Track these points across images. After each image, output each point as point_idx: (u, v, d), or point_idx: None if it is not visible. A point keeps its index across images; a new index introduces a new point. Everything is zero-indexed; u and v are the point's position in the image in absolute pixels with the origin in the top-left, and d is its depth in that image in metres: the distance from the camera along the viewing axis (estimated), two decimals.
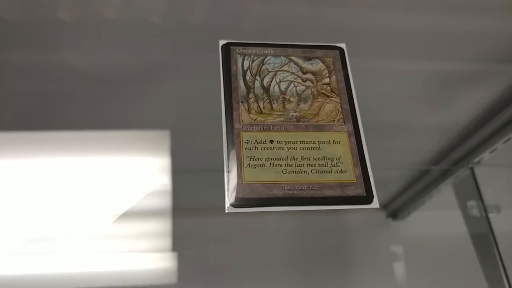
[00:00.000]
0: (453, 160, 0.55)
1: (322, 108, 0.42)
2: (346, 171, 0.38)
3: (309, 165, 0.38)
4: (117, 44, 0.48)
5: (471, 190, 0.54)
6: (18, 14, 0.48)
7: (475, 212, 0.53)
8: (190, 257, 0.38)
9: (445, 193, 0.56)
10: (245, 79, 0.42)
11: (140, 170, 0.41)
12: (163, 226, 0.38)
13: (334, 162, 0.38)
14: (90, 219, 0.38)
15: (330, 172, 0.38)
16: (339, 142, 0.40)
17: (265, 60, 0.44)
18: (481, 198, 0.54)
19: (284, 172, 0.37)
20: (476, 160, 0.54)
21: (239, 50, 0.44)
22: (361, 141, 0.40)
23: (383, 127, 0.50)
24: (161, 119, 0.45)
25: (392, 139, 0.52)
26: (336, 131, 0.40)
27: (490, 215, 0.52)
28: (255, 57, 0.44)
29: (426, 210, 0.56)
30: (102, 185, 0.40)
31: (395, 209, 0.59)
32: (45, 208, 0.38)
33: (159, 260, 0.37)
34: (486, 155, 0.53)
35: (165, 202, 0.39)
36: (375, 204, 0.37)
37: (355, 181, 0.38)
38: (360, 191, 0.37)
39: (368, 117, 0.42)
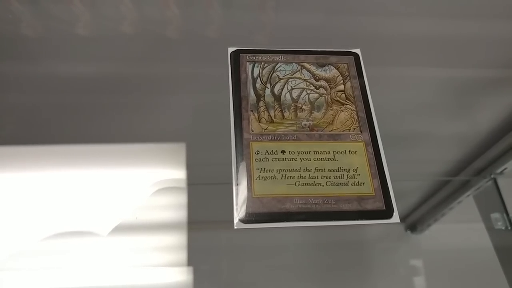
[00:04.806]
0: (475, 170, 0.53)
1: (337, 116, 0.40)
2: (363, 183, 0.36)
3: (324, 177, 0.36)
4: (127, 56, 0.48)
5: (495, 202, 0.52)
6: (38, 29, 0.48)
7: (500, 224, 0.51)
8: (206, 271, 0.37)
9: (467, 205, 0.54)
10: (255, 87, 0.41)
11: (152, 183, 0.39)
12: (178, 239, 0.37)
13: (351, 173, 0.36)
14: (102, 233, 0.37)
15: (346, 184, 0.36)
16: (355, 152, 0.38)
17: (276, 67, 0.42)
18: (505, 210, 0.52)
19: (297, 184, 0.35)
20: (498, 170, 0.52)
21: (248, 57, 0.43)
22: (379, 151, 0.38)
23: (401, 136, 0.48)
24: (172, 130, 0.44)
25: (410, 149, 0.50)
26: (352, 141, 0.38)
27: None
28: (266, 64, 0.42)
29: (446, 222, 0.54)
30: (111, 199, 0.39)
31: (414, 222, 0.57)
32: (58, 222, 0.37)
33: (174, 274, 0.36)
34: (509, 165, 0.51)
35: (180, 215, 0.38)
36: (396, 218, 0.35)
37: (373, 194, 0.36)
38: (379, 204, 0.35)
39: (385, 125, 0.40)
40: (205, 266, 0.37)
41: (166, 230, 0.38)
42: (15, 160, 0.40)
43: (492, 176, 0.53)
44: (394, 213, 0.35)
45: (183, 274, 0.36)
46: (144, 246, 0.37)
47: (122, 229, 0.37)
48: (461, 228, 0.53)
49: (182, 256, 0.37)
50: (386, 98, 0.45)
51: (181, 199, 0.39)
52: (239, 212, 0.34)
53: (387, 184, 0.36)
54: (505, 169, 0.52)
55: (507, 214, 0.51)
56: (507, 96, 0.53)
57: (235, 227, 0.34)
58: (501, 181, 0.53)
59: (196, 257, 0.37)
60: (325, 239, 0.45)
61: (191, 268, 0.36)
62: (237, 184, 0.35)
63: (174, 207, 0.38)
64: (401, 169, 0.42)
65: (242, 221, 0.34)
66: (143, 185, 0.39)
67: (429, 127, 0.50)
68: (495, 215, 0.52)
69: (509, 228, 0.50)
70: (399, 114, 0.49)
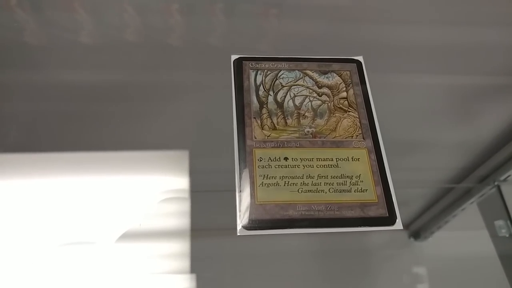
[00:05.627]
0: (478, 177, 0.52)
1: (340, 123, 0.40)
2: (366, 190, 0.36)
3: (327, 183, 0.36)
4: (130, 64, 0.48)
5: (499, 209, 0.52)
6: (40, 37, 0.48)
7: (504, 232, 0.50)
8: (209, 278, 0.37)
9: (470, 212, 0.53)
10: (258, 94, 0.41)
11: (156, 191, 0.39)
12: (181, 246, 0.37)
13: (354, 180, 0.36)
14: (105, 240, 0.37)
15: (349, 191, 0.36)
16: (358, 159, 0.38)
17: (278, 75, 0.43)
18: (509, 218, 0.51)
19: (299, 191, 0.35)
20: (502, 177, 0.52)
21: (251, 65, 0.43)
22: (382, 158, 0.38)
23: (403, 143, 0.48)
24: (175, 138, 0.44)
25: (413, 156, 0.49)
26: (355, 147, 0.38)
27: None
28: (269, 72, 0.43)
29: (450, 230, 0.53)
30: (114, 206, 0.39)
31: (417, 229, 0.56)
32: (60, 229, 0.37)
33: (177, 281, 0.36)
34: None
35: (183, 222, 0.38)
36: (399, 225, 0.35)
37: (376, 200, 0.36)
38: (382, 211, 0.35)
39: (388, 132, 0.40)
40: (208, 273, 0.37)
41: (169, 237, 0.38)
42: (19, 167, 0.40)
43: (495, 183, 0.52)
44: (397, 220, 0.35)
45: (186, 282, 0.36)
46: (148, 253, 0.37)
47: (125, 236, 0.37)
48: (464, 235, 0.52)
49: (185, 263, 0.36)
50: (388, 105, 0.45)
51: (184, 206, 0.39)
52: (242, 219, 0.34)
53: (390, 191, 0.36)
54: (508, 176, 0.51)
55: (511, 222, 0.51)
56: (510, 103, 0.52)
57: (238, 234, 0.34)
58: (504, 188, 0.52)
59: (199, 264, 0.36)
60: (328, 246, 0.45)
61: (194, 276, 0.36)
62: (240, 191, 0.35)
63: (177, 214, 0.38)
64: (404, 176, 0.42)
65: (245, 227, 0.34)
66: (146, 192, 0.39)
67: (432, 134, 0.50)
68: (499, 223, 0.51)
69: None
70: (402, 121, 0.49)
